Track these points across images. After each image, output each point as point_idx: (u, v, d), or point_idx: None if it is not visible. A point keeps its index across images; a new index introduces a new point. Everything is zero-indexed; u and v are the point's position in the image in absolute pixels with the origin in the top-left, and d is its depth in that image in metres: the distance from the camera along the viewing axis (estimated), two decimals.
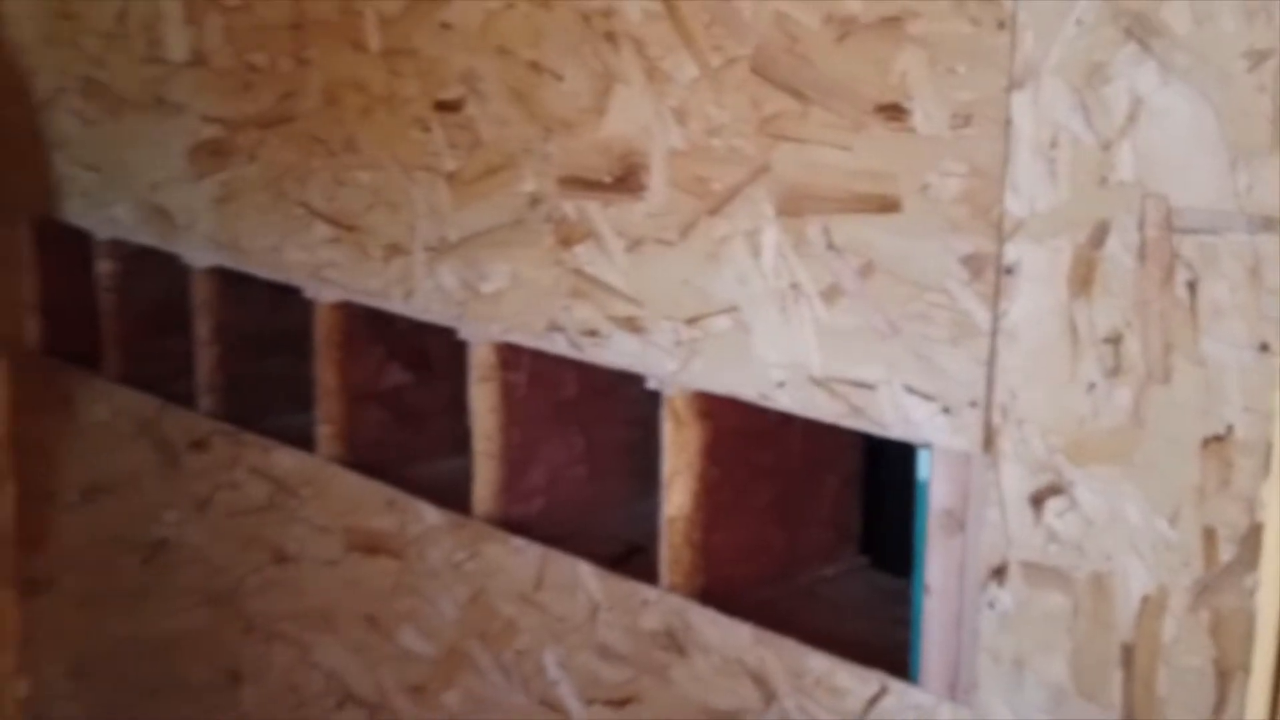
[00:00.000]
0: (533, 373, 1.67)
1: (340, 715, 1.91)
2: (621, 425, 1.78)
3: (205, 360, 2.05)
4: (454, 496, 1.72)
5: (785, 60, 1.22)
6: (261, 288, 2.08)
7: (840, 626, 1.43)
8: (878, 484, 1.60)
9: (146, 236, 2.09)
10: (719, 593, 1.46)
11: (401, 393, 1.92)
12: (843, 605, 1.53)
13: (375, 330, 1.87)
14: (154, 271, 2.25)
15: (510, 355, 1.63)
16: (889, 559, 1.57)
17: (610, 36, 1.37)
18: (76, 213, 2.23)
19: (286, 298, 2.12)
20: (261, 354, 2.12)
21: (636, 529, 1.70)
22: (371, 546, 1.81)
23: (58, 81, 2.20)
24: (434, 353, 1.94)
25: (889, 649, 1.32)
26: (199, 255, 2.00)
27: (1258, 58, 0.97)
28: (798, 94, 1.22)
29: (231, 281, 2.04)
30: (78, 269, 2.40)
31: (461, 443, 1.97)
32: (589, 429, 1.74)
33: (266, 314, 2.11)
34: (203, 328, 2.03)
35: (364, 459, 1.87)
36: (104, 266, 2.22)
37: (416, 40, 1.58)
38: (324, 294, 1.80)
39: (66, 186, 2.24)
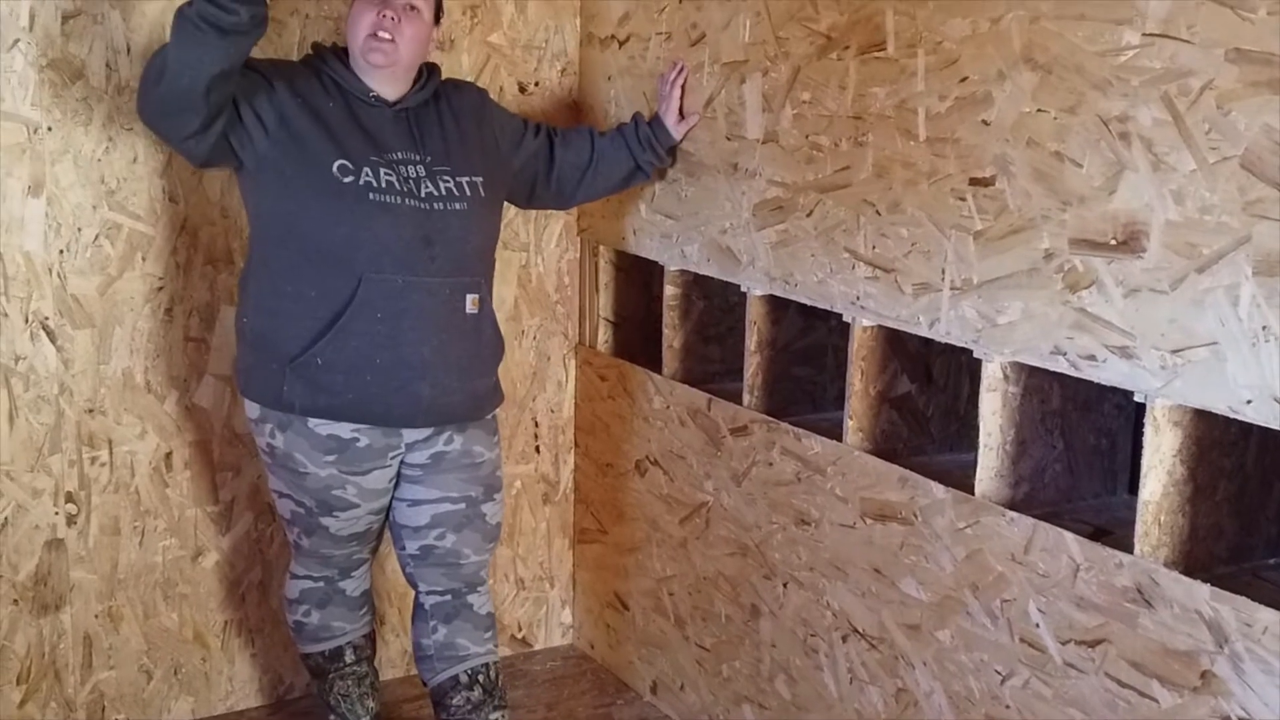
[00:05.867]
0: (1026, 386, 2.14)
1: (845, 645, 2.44)
2: (1093, 434, 2.23)
3: (751, 365, 2.64)
4: (949, 481, 2.22)
5: (1270, 160, 1.65)
6: (794, 314, 2.67)
7: (1277, 599, 1.81)
8: None
9: (711, 269, 2.71)
10: (1180, 565, 1.88)
11: (908, 399, 2.43)
12: None
13: (892, 349, 2.39)
14: (700, 296, 2.90)
15: (1011, 371, 2.11)
16: None
17: (1124, 136, 1.83)
18: (652, 248, 2.89)
19: (811, 322, 2.70)
20: (788, 364, 2.70)
21: (1102, 517, 2.15)
22: (883, 514, 2.33)
23: None
24: (934, 369, 2.45)
25: None
26: (755, 285, 2.59)
27: None
28: (1278, 185, 1.65)
29: (773, 307, 2.63)
30: (640, 290, 3.08)
31: (954, 440, 2.47)
32: (1068, 434, 2.19)
33: (796, 334, 2.69)
34: (752, 340, 2.63)
35: (878, 447, 2.40)
36: (669, 290, 2.87)
37: (959, 132, 2.09)
38: (860, 319, 2.34)
39: (646, 228, 2.90)
